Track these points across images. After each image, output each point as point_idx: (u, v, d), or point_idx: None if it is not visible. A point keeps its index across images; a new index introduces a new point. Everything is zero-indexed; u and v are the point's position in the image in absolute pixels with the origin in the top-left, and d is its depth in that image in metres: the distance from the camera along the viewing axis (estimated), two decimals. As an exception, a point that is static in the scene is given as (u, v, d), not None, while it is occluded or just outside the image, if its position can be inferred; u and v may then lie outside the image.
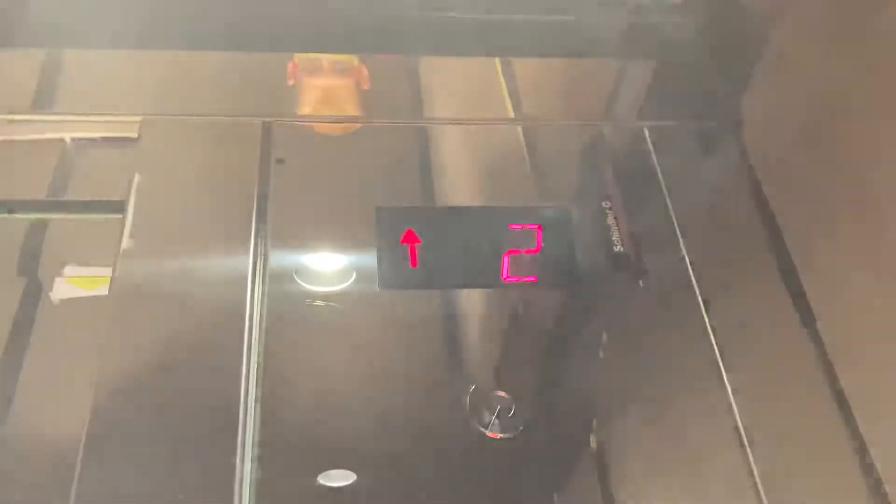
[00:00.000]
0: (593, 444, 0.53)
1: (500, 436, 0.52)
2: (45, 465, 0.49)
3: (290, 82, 0.70)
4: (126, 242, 0.56)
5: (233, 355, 0.52)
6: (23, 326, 0.54)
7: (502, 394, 0.53)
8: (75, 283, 0.56)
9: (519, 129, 0.69)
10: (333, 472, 0.49)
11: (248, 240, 0.57)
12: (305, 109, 0.68)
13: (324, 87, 0.70)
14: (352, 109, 0.70)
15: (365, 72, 0.72)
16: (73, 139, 0.64)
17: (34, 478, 0.49)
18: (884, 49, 0.52)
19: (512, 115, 0.71)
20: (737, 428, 0.53)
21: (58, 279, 0.56)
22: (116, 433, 0.49)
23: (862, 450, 0.52)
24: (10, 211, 0.59)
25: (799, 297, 0.59)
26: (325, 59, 0.72)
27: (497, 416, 0.52)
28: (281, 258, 0.57)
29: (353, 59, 0.72)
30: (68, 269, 0.57)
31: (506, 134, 0.69)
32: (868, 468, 0.51)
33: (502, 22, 0.76)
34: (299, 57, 0.71)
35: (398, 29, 0.74)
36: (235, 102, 0.67)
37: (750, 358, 0.57)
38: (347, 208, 0.61)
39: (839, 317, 0.56)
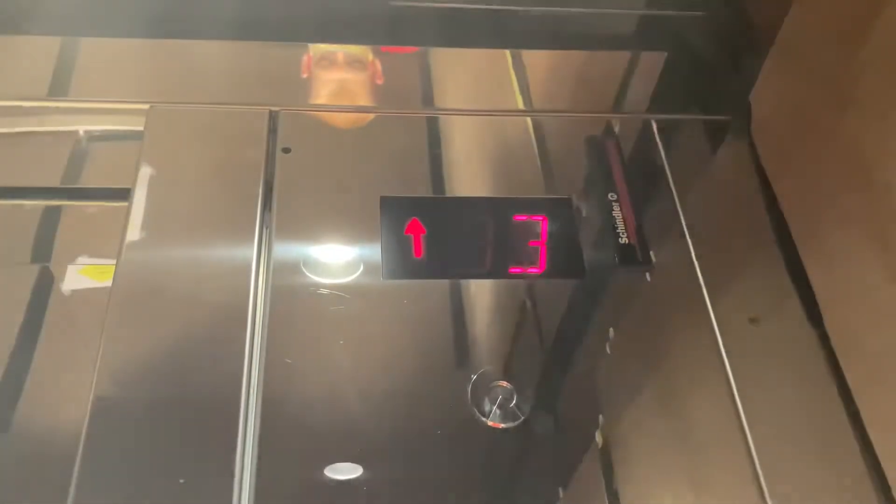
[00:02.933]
0: (595, 435, 0.53)
1: (501, 425, 0.52)
2: (48, 454, 0.49)
3: (305, 75, 0.70)
4: (130, 231, 0.56)
5: (236, 345, 0.52)
6: (33, 315, 0.54)
7: (504, 384, 0.54)
8: (86, 272, 0.57)
9: (527, 120, 0.69)
10: (337, 464, 0.49)
11: (253, 229, 0.58)
12: (319, 102, 0.68)
13: (337, 81, 0.70)
14: (364, 103, 0.70)
15: (379, 66, 0.72)
16: (84, 131, 0.64)
17: (37, 464, 0.49)
18: (891, 41, 0.51)
19: (521, 106, 0.71)
20: (740, 421, 0.53)
21: (69, 267, 0.57)
22: (118, 422, 0.49)
23: (865, 443, 0.52)
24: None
25: (805, 291, 0.58)
26: (340, 52, 0.72)
27: (498, 406, 0.52)
28: (286, 248, 0.57)
29: (367, 53, 0.72)
30: (81, 259, 0.57)
31: (514, 125, 0.69)
32: (871, 461, 0.51)
33: (513, 13, 0.76)
34: (315, 49, 0.71)
35: (409, 19, 0.74)
36: (242, 91, 0.67)
37: (754, 351, 0.56)
38: (354, 198, 0.61)
39: (845, 311, 0.55)
